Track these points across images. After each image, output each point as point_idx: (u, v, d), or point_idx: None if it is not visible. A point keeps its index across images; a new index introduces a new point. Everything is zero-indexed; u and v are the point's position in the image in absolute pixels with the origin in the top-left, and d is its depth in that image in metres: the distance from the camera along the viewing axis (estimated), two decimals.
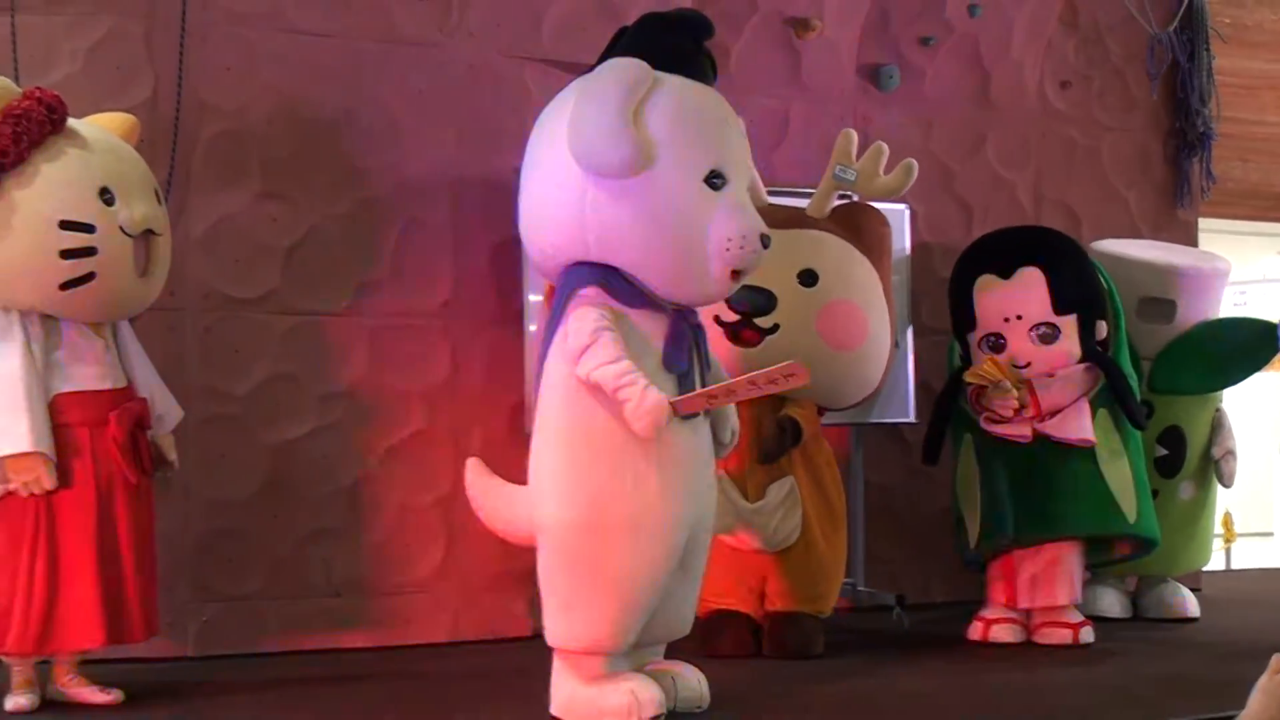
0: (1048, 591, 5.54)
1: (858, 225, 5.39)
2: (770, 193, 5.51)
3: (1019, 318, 5.52)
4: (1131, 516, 5.54)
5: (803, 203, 5.40)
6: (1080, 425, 5.48)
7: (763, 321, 5.14)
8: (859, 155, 5.34)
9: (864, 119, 6.47)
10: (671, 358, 4.04)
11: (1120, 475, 5.56)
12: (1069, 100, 7.10)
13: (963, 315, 5.71)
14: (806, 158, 6.03)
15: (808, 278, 5.18)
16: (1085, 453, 5.50)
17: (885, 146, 5.32)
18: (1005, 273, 5.56)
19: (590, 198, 3.95)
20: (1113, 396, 5.59)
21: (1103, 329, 5.60)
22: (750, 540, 5.16)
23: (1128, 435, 5.66)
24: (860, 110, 6.52)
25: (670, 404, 3.85)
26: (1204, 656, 5.36)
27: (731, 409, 4.33)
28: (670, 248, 3.98)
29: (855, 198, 5.51)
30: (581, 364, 3.90)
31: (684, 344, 4.08)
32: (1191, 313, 6.25)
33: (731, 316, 5.13)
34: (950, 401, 5.76)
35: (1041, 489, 5.50)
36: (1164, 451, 6.24)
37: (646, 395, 3.80)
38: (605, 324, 3.92)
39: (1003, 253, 5.64)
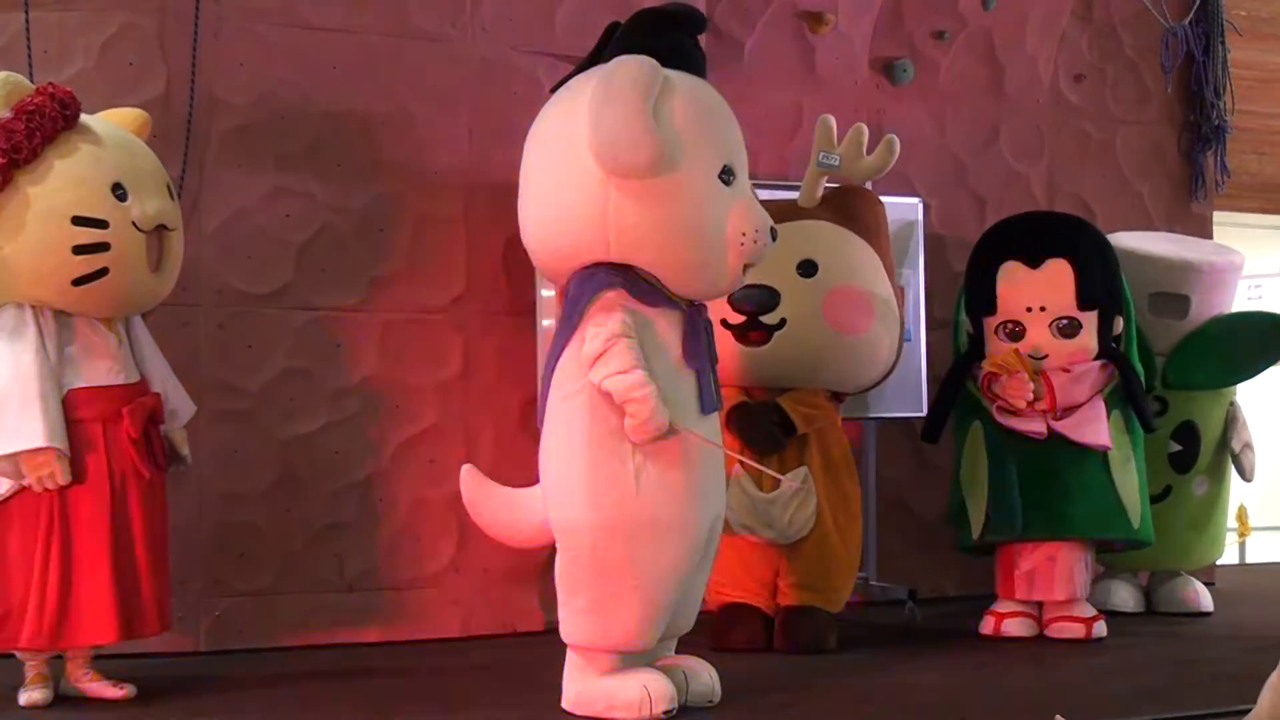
0: (1045, 586, 5.56)
1: (850, 208, 5.35)
2: (782, 186, 5.58)
3: (1042, 309, 5.52)
4: (1135, 522, 5.58)
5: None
6: (1097, 428, 5.49)
7: (769, 318, 5.13)
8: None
9: (878, 112, 6.49)
10: (690, 354, 4.07)
11: (1129, 480, 5.59)
12: (1083, 93, 7.11)
13: (982, 298, 5.67)
14: None
15: (807, 268, 5.17)
16: (1097, 455, 5.51)
17: (864, 127, 5.31)
18: (1034, 261, 5.54)
19: (613, 198, 3.95)
20: (1125, 397, 5.60)
21: (1119, 325, 5.61)
22: (764, 532, 5.15)
23: (1136, 437, 5.67)
24: (874, 104, 6.53)
25: (671, 427, 3.90)
26: (1218, 650, 5.37)
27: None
28: (693, 245, 4.00)
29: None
30: (595, 370, 3.92)
31: (699, 339, 4.11)
32: (1205, 307, 6.24)
33: (737, 318, 5.13)
34: (958, 382, 5.74)
35: (1051, 488, 5.50)
36: (1178, 447, 6.24)
37: (655, 417, 3.86)
38: (622, 330, 3.93)
39: (1033, 240, 5.62)
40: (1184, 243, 6.54)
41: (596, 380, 3.92)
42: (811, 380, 5.24)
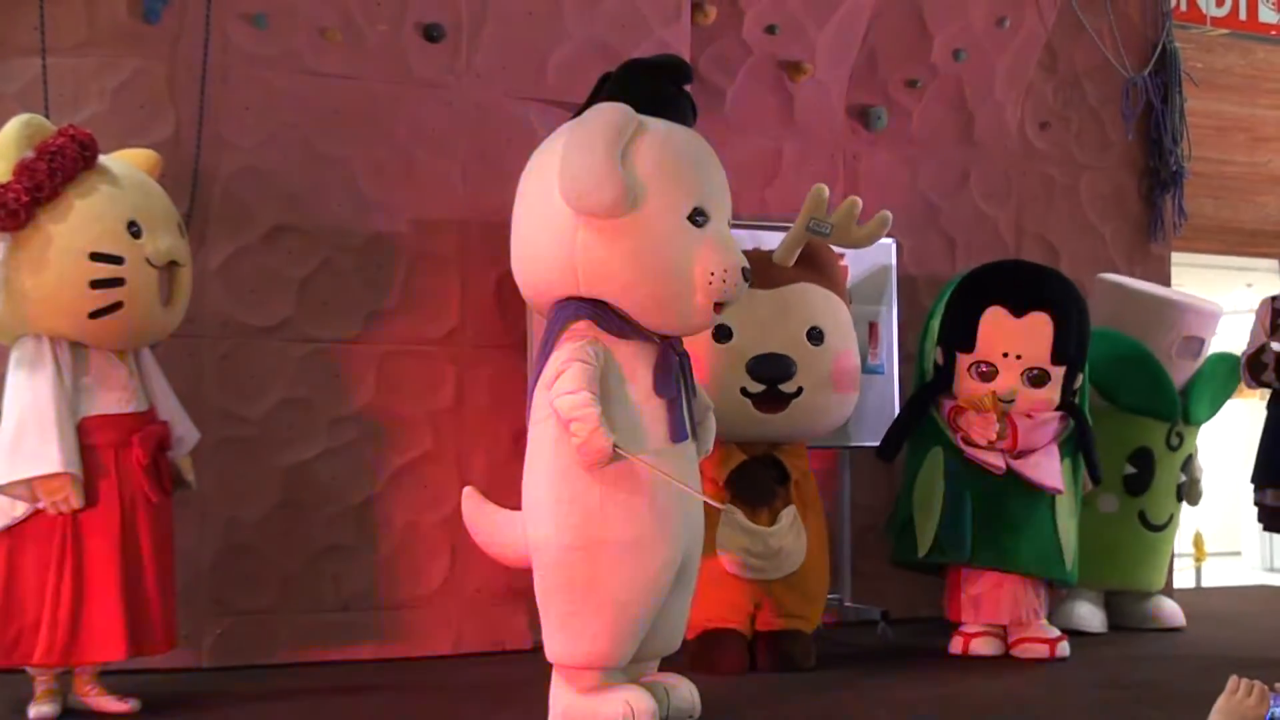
0: (991, 610, 5.72)
1: (820, 266, 5.42)
2: (762, 227, 5.69)
3: (1018, 357, 5.61)
4: (1069, 565, 5.78)
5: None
6: (1053, 471, 5.67)
7: (787, 387, 5.21)
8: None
9: (853, 157, 6.65)
10: (661, 384, 4.18)
11: (1069, 526, 5.79)
12: (1048, 140, 7.27)
13: (962, 335, 5.73)
14: (798, 194, 6.03)
15: (815, 336, 5.26)
16: (1047, 497, 5.69)
17: (858, 200, 5.31)
18: (1018, 311, 5.63)
19: (580, 237, 4.09)
20: (1079, 447, 5.79)
21: (1078, 380, 5.76)
22: (757, 563, 5.26)
23: (1077, 487, 5.88)
24: (849, 149, 6.68)
25: (615, 449, 3.96)
26: (1176, 671, 5.45)
27: (712, 426, 4.50)
28: (657, 282, 4.11)
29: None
30: (550, 390, 4.04)
31: (671, 371, 4.22)
32: (1209, 349, 6.54)
33: (757, 387, 5.20)
34: (923, 406, 5.86)
35: (1002, 522, 5.66)
36: (1184, 478, 6.51)
37: (595, 437, 3.93)
38: (582, 356, 4.03)
39: (1020, 290, 5.69)
40: (1173, 290, 6.77)
41: (550, 400, 4.03)
42: (809, 437, 5.43)
